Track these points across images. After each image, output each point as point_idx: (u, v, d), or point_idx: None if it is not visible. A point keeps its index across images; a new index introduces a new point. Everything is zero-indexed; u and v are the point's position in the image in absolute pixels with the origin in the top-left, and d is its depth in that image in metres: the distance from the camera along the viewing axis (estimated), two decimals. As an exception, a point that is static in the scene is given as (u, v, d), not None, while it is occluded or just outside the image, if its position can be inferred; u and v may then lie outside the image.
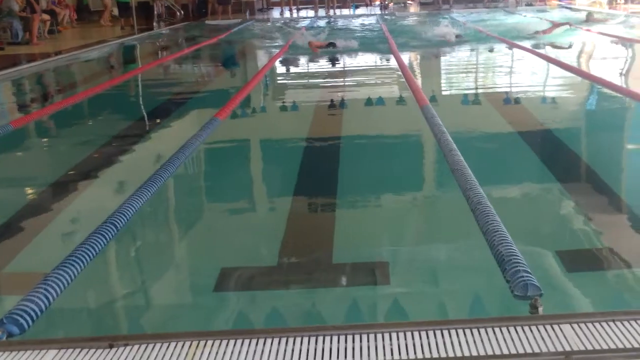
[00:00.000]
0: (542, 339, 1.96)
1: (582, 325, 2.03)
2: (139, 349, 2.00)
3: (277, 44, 12.89)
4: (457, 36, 12.04)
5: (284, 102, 7.66)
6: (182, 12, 21.90)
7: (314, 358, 1.91)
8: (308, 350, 1.95)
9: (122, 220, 3.29)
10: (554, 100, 6.91)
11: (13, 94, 9.43)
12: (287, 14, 22.44)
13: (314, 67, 10.23)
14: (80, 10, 22.04)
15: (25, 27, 14.47)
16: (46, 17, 15.91)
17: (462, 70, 9.23)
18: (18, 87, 9.75)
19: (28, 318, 2.32)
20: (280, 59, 10.62)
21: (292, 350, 1.95)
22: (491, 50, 11.27)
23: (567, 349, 1.91)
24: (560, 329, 2.01)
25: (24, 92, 9.62)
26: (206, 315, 2.77)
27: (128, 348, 2.01)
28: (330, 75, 8.59)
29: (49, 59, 11.67)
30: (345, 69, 9.13)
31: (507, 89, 7.67)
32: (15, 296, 2.53)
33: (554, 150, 4.99)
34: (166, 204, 4.30)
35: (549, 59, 9.51)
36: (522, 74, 8.66)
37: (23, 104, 8.39)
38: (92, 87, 8.84)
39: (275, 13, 23.43)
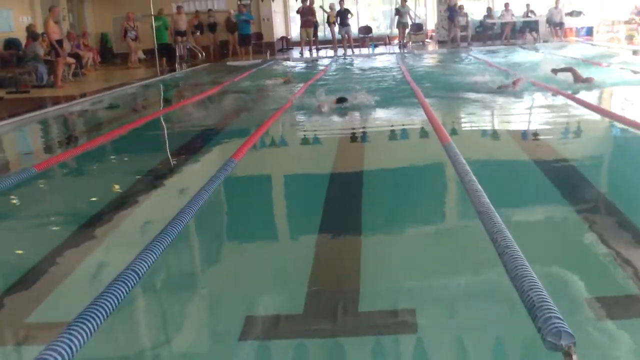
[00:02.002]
0: (578, 389, 1.90)
1: (619, 375, 1.97)
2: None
3: (296, 85, 12.97)
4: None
5: (301, 141, 7.67)
6: (204, 54, 22.19)
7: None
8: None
9: (144, 267, 3.27)
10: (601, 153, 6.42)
11: (38, 137, 9.54)
12: (307, 54, 22.65)
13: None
14: (104, 53, 22.45)
15: (50, 70, 14.74)
16: (71, 60, 16.21)
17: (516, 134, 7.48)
18: (43, 129, 9.87)
19: (52, 368, 2.30)
20: (296, 99, 10.62)
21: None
22: (547, 105, 9.48)
23: (604, 400, 1.85)
24: (597, 380, 1.95)
25: (48, 135, 9.73)
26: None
27: (152, 401, 1.97)
28: (351, 116, 8.57)
29: (73, 102, 11.85)
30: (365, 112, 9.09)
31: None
32: (38, 347, 2.50)
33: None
34: (187, 249, 4.27)
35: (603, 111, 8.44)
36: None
37: (47, 147, 8.49)
38: (114, 129, 8.92)
39: (295, 53, 23.65)
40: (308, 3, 22.33)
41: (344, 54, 21.77)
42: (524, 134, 7.31)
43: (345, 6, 22.52)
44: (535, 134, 7.34)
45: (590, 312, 2.98)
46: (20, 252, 4.35)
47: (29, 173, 5.98)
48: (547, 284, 2.75)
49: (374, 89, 10.97)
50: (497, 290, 3.13)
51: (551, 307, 2.50)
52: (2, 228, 4.95)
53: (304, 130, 8.13)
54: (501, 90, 9.98)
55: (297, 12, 22.91)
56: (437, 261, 3.74)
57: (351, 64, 18.58)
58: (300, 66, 19.21)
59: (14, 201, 5.56)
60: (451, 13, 23.45)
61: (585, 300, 3.10)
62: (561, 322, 2.38)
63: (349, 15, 22.60)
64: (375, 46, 23.96)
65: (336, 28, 22.84)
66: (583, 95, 9.13)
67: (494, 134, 7.59)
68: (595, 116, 8.24)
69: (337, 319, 3.03)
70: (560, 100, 9.22)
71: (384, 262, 3.75)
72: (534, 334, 2.43)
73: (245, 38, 21.73)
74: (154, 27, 18.98)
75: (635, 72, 11.96)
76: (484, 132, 7.70)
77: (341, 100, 9.06)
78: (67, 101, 11.85)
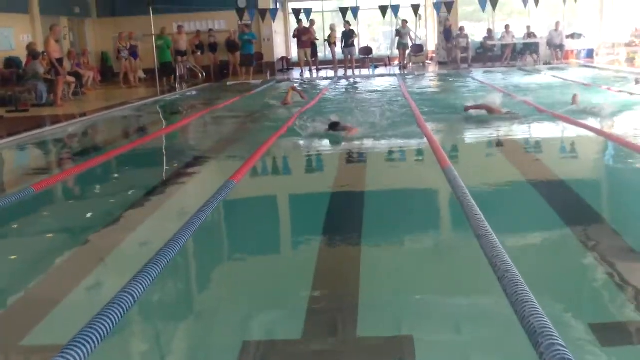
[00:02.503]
0: (581, 420, 1.86)
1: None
2: None
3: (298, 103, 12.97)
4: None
5: (298, 165, 7.65)
6: (204, 74, 22.26)
7: None
8: None
9: (140, 289, 3.23)
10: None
11: (36, 156, 9.53)
12: (307, 74, 22.71)
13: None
14: (104, 72, 22.52)
15: (50, 89, 14.76)
16: (71, 79, 16.24)
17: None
18: (42, 148, 9.86)
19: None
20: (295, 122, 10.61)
21: None
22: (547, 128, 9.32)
23: None
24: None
25: (47, 154, 9.72)
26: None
27: None
28: (350, 138, 8.55)
29: (73, 121, 11.85)
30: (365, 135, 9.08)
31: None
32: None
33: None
34: (184, 271, 4.23)
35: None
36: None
37: (45, 167, 8.47)
38: (113, 148, 8.91)
39: (296, 74, 23.72)
40: (306, 24, 22.44)
41: (345, 75, 21.83)
42: (523, 157, 7.29)
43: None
44: (536, 157, 7.32)
45: (592, 338, 2.94)
46: (15, 272, 4.31)
47: (27, 193, 5.95)
48: (547, 309, 2.72)
49: (373, 111, 10.94)
50: (497, 315, 3.09)
51: (553, 333, 2.46)
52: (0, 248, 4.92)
53: (301, 154, 8.08)
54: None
55: (293, 35, 23.08)
56: (437, 285, 3.70)
57: (352, 85, 18.62)
58: (300, 86, 19.25)
59: (12, 221, 5.53)
60: (446, 33, 23.55)
61: (586, 325, 3.06)
62: (563, 349, 2.34)
63: (354, 37, 22.70)
64: (376, 67, 24.02)
65: (338, 49, 22.93)
66: (589, 120, 9.03)
67: (494, 158, 7.57)
68: (597, 139, 8.23)
69: (336, 344, 2.99)
70: (560, 123, 9.17)
71: (383, 286, 3.71)
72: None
73: (247, 58, 21.78)
74: (155, 46, 19.08)
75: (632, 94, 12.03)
76: (484, 156, 7.67)
77: (334, 125, 8.43)
78: (67, 120, 11.86)
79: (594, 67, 20.41)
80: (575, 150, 7.87)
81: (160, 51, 19.37)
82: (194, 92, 18.53)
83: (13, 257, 4.67)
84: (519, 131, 8.94)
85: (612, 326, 3.10)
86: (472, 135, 8.75)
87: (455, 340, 3.02)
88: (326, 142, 8.30)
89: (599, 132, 8.39)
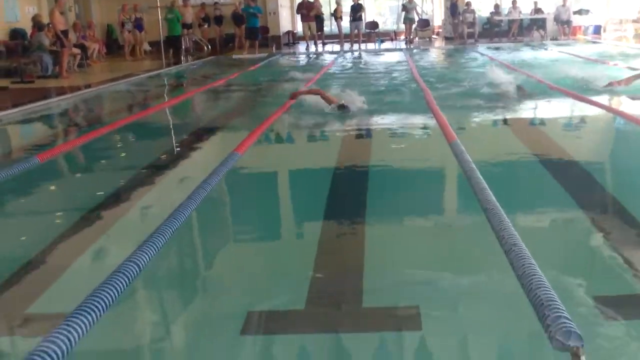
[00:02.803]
0: (587, 392, 1.85)
1: (629, 378, 1.92)
2: (161, 397, 1.92)
3: (302, 77, 12.88)
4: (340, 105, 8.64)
5: (304, 138, 7.60)
6: (209, 47, 22.14)
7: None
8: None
9: (144, 259, 3.23)
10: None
11: (41, 127, 9.52)
12: (312, 48, 22.58)
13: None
14: (109, 45, 22.41)
15: (55, 61, 14.71)
16: (76, 51, 16.17)
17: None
18: (47, 120, 9.84)
19: (49, 360, 2.26)
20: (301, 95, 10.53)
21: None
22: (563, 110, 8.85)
23: (614, 404, 1.80)
24: (606, 383, 1.90)
25: (52, 126, 9.70)
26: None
27: (150, 396, 1.93)
28: (357, 110, 8.48)
29: (78, 92, 11.82)
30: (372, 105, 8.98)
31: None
32: (36, 338, 2.46)
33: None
34: (188, 241, 4.23)
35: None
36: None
37: (50, 138, 8.46)
38: (118, 120, 8.89)
39: (301, 47, 23.58)
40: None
41: (351, 49, 21.69)
42: (529, 132, 7.24)
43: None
44: (543, 133, 7.26)
45: (597, 312, 2.93)
46: (20, 242, 4.32)
47: (32, 163, 5.94)
48: (553, 283, 2.71)
49: (379, 86, 10.87)
50: (503, 288, 3.08)
51: (559, 306, 2.45)
52: (4, 218, 4.92)
53: (307, 128, 8.01)
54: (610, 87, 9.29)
55: (297, 10, 22.93)
56: (442, 258, 3.69)
57: (358, 59, 18.51)
58: (305, 60, 19.15)
59: (17, 191, 5.52)
60: (452, 9, 23.34)
61: (591, 299, 3.05)
62: (569, 322, 2.33)
63: (362, 10, 22.51)
64: (382, 42, 23.87)
65: (344, 23, 22.76)
66: (598, 97, 8.90)
67: (500, 133, 7.50)
68: (606, 115, 8.14)
69: (340, 315, 2.99)
70: (569, 101, 9.05)
71: (388, 258, 3.70)
72: (540, 333, 2.38)
73: (252, 31, 21.62)
74: (165, 19, 18.93)
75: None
76: (490, 131, 7.61)
77: (342, 107, 8.19)
78: (72, 92, 11.82)
79: (601, 43, 20.23)
80: (584, 126, 7.81)
81: (171, 24, 19.25)
82: (199, 65, 18.44)
83: (18, 226, 4.67)
84: (527, 107, 8.85)
85: (618, 300, 3.09)
86: (479, 111, 8.65)
87: (461, 312, 3.01)
88: (330, 117, 8.23)
89: (610, 110, 8.27)
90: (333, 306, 3.09)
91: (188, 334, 2.98)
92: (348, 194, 4.98)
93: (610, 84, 9.49)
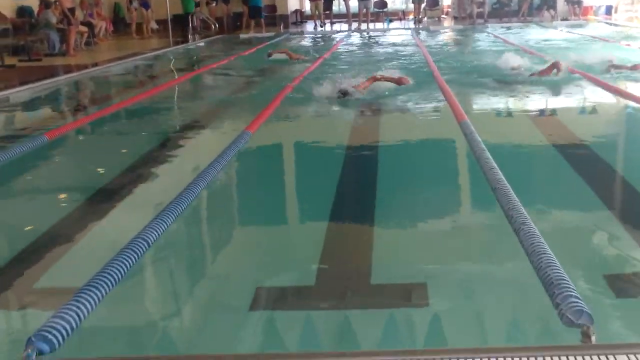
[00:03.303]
0: (597, 370, 1.85)
1: (640, 357, 1.91)
2: (171, 371, 1.92)
3: (308, 57, 12.81)
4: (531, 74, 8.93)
5: (311, 119, 7.54)
6: (217, 25, 22.04)
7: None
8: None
9: (154, 235, 3.23)
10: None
11: (49, 105, 9.51)
12: (320, 28, 22.46)
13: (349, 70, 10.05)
14: (116, 23, 22.33)
15: (62, 38, 14.67)
16: (83, 29, 16.13)
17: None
18: (54, 98, 9.84)
19: (59, 335, 2.27)
20: (310, 72, 10.48)
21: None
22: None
23: (625, 382, 1.80)
24: (617, 360, 1.89)
25: (60, 103, 9.70)
26: (241, 335, 2.68)
27: (160, 370, 1.93)
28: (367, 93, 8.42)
29: (85, 71, 11.80)
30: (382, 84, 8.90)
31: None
32: (46, 312, 2.47)
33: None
34: (198, 219, 4.23)
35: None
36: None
37: (59, 115, 8.45)
38: (126, 99, 8.88)
39: (309, 26, 23.46)
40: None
41: (358, 28, 21.56)
42: (539, 113, 7.17)
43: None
44: (553, 114, 7.19)
45: (607, 290, 2.92)
46: (30, 218, 4.32)
47: (40, 141, 5.94)
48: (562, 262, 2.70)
49: (388, 65, 10.77)
50: (512, 267, 3.07)
51: (569, 285, 2.44)
52: (14, 195, 4.93)
53: (315, 107, 7.93)
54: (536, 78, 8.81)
55: None
56: (451, 237, 3.68)
57: (366, 39, 18.40)
58: (313, 40, 19.04)
59: (26, 169, 5.53)
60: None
61: (601, 277, 3.03)
62: (579, 301, 2.32)
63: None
64: (390, 21, 23.71)
65: (353, 2, 22.61)
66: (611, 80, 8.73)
67: (510, 114, 7.43)
68: (618, 99, 8.03)
69: (349, 291, 2.99)
70: (582, 83, 8.85)
71: (397, 237, 3.70)
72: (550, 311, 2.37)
73: (256, 10, 21.48)
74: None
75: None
76: (501, 112, 7.54)
77: (344, 93, 7.76)
78: (79, 70, 11.81)
79: (613, 24, 20.03)
80: (593, 108, 7.72)
81: (185, 1, 19.17)
82: (206, 44, 18.37)
83: (27, 203, 4.68)
84: (538, 89, 8.65)
85: (628, 278, 3.08)
86: (488, 91, 8.57)
87: (469, 290, 3.01)
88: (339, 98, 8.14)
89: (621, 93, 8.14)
90: (342, 283, 3.08)
91: (196, 310, 2.99)
92: (358, 172, 4.97)
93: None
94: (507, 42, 14.85)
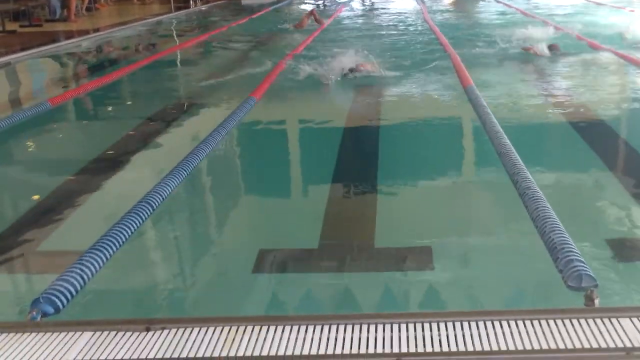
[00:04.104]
0: (601, 333, 1.85)
1: (644, 319, 1.91)
2: (176, 333, 1.93)
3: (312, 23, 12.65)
4: (550, 47, 8.26)
5: (320, 81, 7.45)
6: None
7: (358, 346, 1.82)
8: (345, 338, 1.86)
9: (158, 200, 3.23)
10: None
11: (51, 71, 9.45)
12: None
13: (353, 44, 9.91)
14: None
15: (63, 4, 14.53)
16: (84, -6, 15.98)
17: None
18: (56, 64, 9.77)
19: (63, 298, 2.27)
20: (315, 38, 10.37)
21: (335, 338, 1.86)
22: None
23: (628, 345, 1.80)
24: (620, 324, 1.89)
25: (62, 69, 9.64)
26: (245, 298, 2.69)
27: (165, 332, 1.94)
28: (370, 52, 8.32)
29: (87, 36, 11.71)
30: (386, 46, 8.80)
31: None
32: (50, 275, 2.47)
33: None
34: (202, 184, 4.23)
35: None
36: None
37: (61, 81, 8.40)
38: (128, 65, 8.81)
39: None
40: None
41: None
42: (548, 83, 7.05)
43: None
44: (562, 84, 7.06)
45: (610, 255, 2.92)
46: (34, 183, 4.33)
47: (43, 107, 5.92)
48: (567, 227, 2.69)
49: (391, 31, 10.66)
50: (517, 231, 3.07)
51: (573, 249, 2.44)
52: (17, 160, 4.93)
53: (317, 72, 7.82)
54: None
55: None
56: (456, 202, 3.67)
57: (369, 4, 18.17)
58: (315, 5, 18.82)
59: (29, 134, 5.52)
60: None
61: (603, 242, 3.03)
62: (583, 264, 2.32)
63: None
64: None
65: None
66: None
67: (516, 80, 7.29)
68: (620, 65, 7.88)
69: (353, 254, 2.99)
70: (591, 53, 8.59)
71: (401, 201, 3.69)
72: (554, 276, 2.37)
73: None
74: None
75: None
76: (505, 78, 7.41)
77: (351, 70, 7.29)
78: (80, 35, 11.72)
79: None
80: (601, 76, 7.56)
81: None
82: (208, 10, 18.18)
83: (31, 168, 4.69)
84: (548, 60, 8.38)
85: (630, 243, 3.08)
86: (495, 58, 8.42)
87: (474, 255, 3.01)
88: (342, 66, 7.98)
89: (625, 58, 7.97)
90: (346, 246, 3.08)
91: (200, 272, 3.00)
92: (361, 136, 4.94)
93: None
94: (518, 10, 14.57)
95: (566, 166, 4.26)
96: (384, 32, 10.85)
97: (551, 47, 8.28)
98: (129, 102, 6.92)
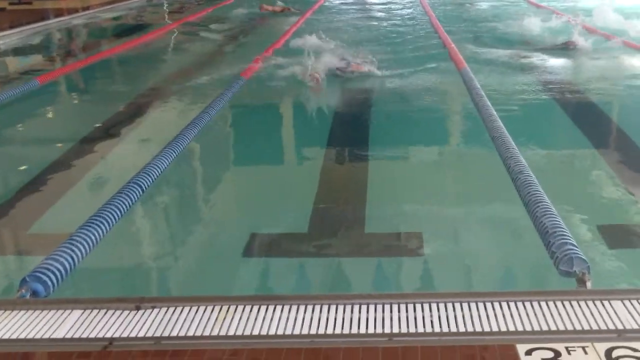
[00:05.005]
0: (592, 315, 1.85)
1: (635, 302, 1.91)
2: (166, 311, 1.92)
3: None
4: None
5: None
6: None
7: (349, 327, 1.81)
8: (336, 318, 1.86)
9: (148, 180, 3.20)
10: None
11: (40, 49, 9.34)
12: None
13: (349, 26, 9.82)
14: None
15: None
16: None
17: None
18: (45, 42, 9.66)
19: (53, 277, 2.25)
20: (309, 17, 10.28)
21: (327, 318, 1.86)
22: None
23: (620, 326, 1.80)
24: (612, 306, 1.90)
25: (51, 48, 9.53)
26: (234, 279, 2.68)
27: (155, 310, 1.93)
28: (368, 35, 8.27)
29: (76, 15, 11.58)
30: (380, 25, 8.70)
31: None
32: (40, 257, 2.45)
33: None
34: (192, 165, 4.20)
35: None
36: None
37: (50, 60, 8.31)
38: (119, 44, 8.72)
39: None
40: None
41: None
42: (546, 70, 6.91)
43: None
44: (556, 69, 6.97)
45: (601, 240, 2.92)
46: (22, 163, 4.28)
47: (31, 85, 5.87)
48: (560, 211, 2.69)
49: (382, 19, 10.53)
50: (509, 216, 3.07)
51: (565, 233, 2.44)
52: (5, 139, 4.88)
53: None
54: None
55: None
56: (448, 185, 3.66)
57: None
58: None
59: (17, 113, 5.47)
60: None
61: (594, 227, 3.03)
62: (575, 248, 2.32)
63: None
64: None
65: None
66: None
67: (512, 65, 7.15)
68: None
69: (343, 239, 2.98)
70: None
71: (392, 184, 3.68)
72: (546, 260, 2.37)
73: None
74: None
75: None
76: (502, 63, 7.29)
77: (341, 70, 6.45)
78: (70, 14, 11.58)
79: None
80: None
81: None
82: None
83: (19, 148, 4.64)
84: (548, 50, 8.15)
85: (620, 228, 3.08)
86: (489, 42, 8.28)
87: (465, 240, 3.00)
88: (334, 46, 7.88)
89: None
90: (335, 231, 3.07)
91: (190, 255, 2.98)
92: (352, 117, 4.90)
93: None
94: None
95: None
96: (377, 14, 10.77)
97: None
98: (117, 81, 6.86)
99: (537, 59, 7.07)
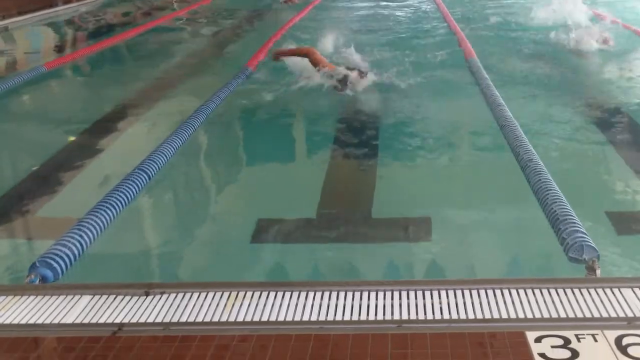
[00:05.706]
0: (602, 303, 1.85)
1: (646, 290, 1.91)
2: (175, 297, 1.92)
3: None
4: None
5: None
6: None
7: (358, 313, 1.81)
8: (345, 305, 1.86)
9: (154, 167, 3.21)
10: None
11: (48, 35, 9.33)
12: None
13: (354, 15, 9.75)
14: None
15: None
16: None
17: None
18: (53, 28, 9.64)
19: (62, 263, 2.26)
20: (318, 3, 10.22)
21: (336, 305, 1.86)
22: None
23: (630, 314, 1.79)
24: (622, 294, 1.89)
25: (59, 34, 9.50)
26: (243, 266, 2.68)
27: (165, 296, 1.93)
28: (373, 24, 8.21)
29: (85, 1, 11.55)
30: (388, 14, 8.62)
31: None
32: (49, 241, 2.45)
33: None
34: (199, 152, 4.20)
35: None
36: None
37: (57, 46, 8.30)
38: (127, 30, 8.70)
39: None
40: None
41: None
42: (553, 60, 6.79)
43: None
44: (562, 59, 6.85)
45: (610, 227, 2.91)
46: (31, 149, 4.29)
47: (39, 71, 5.87)
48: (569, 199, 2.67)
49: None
50: (518, 204, 3.05)
51: (575, 220, 2.43)
52: (14, 125, 4.88)
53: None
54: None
55: None
56: (457, 174, 3.64)
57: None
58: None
59: (25, 99, 5.48)
60: None
61: (603, 214, 3.01)
62: (585, 236, 2.31)
63: None
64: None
65: None
66: None
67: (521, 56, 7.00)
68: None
69: (351, 224, 2.98)
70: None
71: (400, 172, 3.67)
72: (556, 248, 2.36)
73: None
74: None
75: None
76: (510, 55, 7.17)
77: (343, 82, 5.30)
78: (79, 0, 11.55)
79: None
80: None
81: None
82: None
83: (28, 133, 4.64)
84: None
85: (629, 216, 3.07)
86: (498, 34, 8.15)
87: (473, 227, 2.99)
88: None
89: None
90: (344, 216, 3.07)
91: (199, 241, 2.97)
92: (361, 108, 4.87)
93: None
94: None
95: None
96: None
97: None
98: (126, 68, 6.84)
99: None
